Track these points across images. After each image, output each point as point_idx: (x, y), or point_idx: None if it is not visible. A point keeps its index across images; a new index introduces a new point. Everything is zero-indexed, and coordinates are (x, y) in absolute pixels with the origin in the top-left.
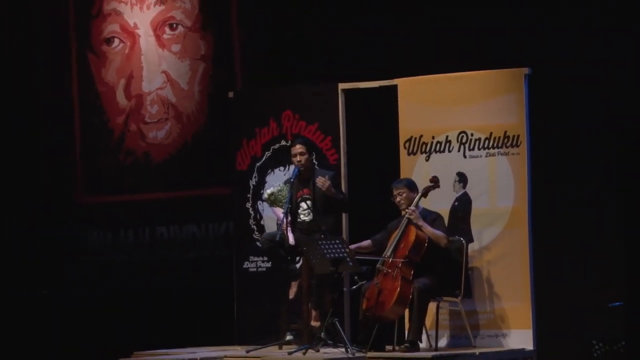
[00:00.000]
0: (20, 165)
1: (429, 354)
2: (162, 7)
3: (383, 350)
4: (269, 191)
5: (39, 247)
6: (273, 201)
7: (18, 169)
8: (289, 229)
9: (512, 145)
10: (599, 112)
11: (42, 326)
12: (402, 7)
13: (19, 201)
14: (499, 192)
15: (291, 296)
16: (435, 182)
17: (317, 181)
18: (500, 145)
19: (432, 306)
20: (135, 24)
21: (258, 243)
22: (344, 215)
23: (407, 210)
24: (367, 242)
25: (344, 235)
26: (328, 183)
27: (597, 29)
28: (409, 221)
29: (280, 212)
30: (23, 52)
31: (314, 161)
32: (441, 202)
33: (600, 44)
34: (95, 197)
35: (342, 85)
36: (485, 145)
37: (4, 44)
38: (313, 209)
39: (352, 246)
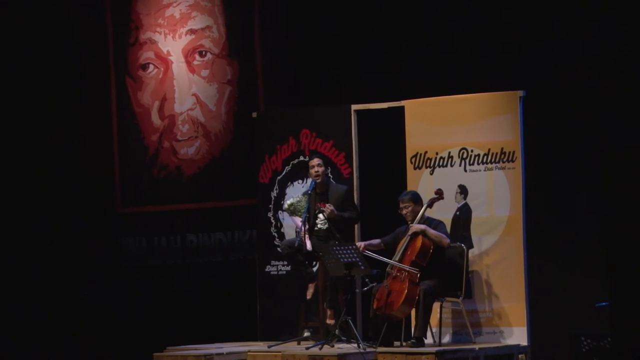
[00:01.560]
0: (64, 179)
1: (433, 349)
2: (193, 36)
3: (391, 345)
4: (288, 202)
5: (81, 252)
6: (292, 211)
7: (63, 183)
8: (306, 236)
9: (508, 161)
10: (587, 130)
11: (83, 324)
12: (408, 36)
13: (65, 212)
14: (496, 202)
15: (308, 297)
16: (440, 194)
17: (324, 211)
18: (497, 160)
19: (436, 306)
20: (168, 52)
21: (278, 249)
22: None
23: (411, 226)
24: (377, 241)
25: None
26: (330, 209)
27: (586, 55)
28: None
29: (298, 220)
30: (68, 77)
31: (329, 175)
32: (444, 212)
33: (588, 70)
34: (131, 208)
35: (354, 106)
36: (484, 161)
37: (52, 70)
38: (329, 219)
39: (364, 242)
